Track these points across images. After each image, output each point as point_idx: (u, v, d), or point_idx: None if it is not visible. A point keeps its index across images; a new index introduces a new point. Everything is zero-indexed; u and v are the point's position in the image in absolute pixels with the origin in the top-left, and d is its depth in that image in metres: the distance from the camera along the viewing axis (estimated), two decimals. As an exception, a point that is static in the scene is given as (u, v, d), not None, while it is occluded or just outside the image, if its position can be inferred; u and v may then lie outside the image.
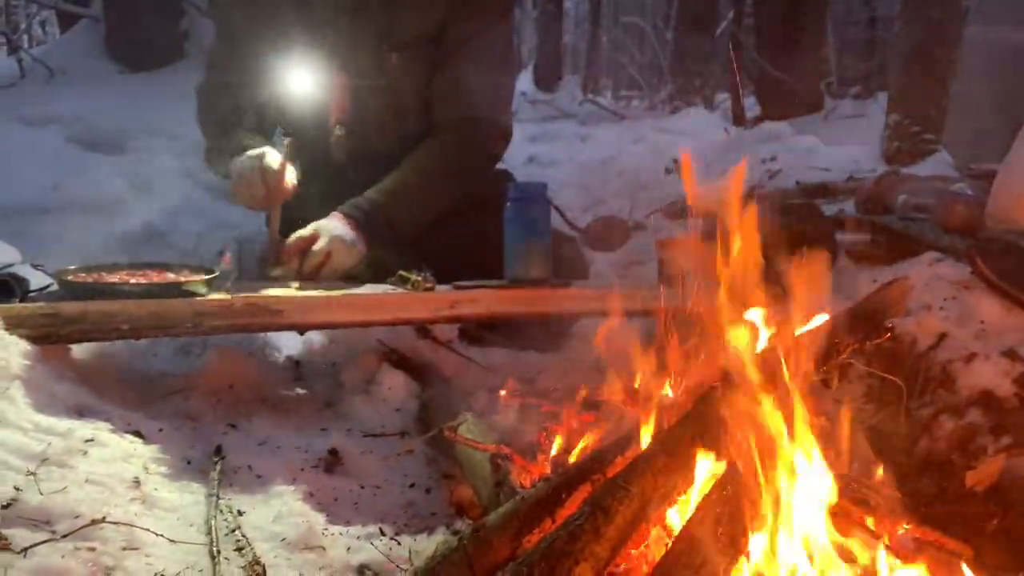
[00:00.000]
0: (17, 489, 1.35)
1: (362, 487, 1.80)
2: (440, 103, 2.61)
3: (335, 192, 2.50)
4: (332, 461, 1.85)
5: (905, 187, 2.88)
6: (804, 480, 1.30)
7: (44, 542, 1.24)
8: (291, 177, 2.35)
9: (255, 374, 2.21)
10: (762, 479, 1.27)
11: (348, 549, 1.52)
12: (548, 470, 1.62)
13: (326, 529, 1.58)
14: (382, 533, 1.60)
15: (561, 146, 6.47)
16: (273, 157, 2.32)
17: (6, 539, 1.19)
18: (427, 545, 1.55)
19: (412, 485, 1.84)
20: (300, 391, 2.26)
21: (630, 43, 13.89)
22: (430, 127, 2.62)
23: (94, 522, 1.33)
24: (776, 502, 1.27)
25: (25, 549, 1.20)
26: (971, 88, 4.52)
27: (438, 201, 2.56)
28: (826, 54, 7.91)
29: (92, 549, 1.27)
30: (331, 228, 2.36)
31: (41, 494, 1.35)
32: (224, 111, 2.58)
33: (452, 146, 2.59)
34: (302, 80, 2.47)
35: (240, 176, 2.32)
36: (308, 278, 2.30)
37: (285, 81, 2.47)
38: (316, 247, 2.32)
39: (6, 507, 1.29)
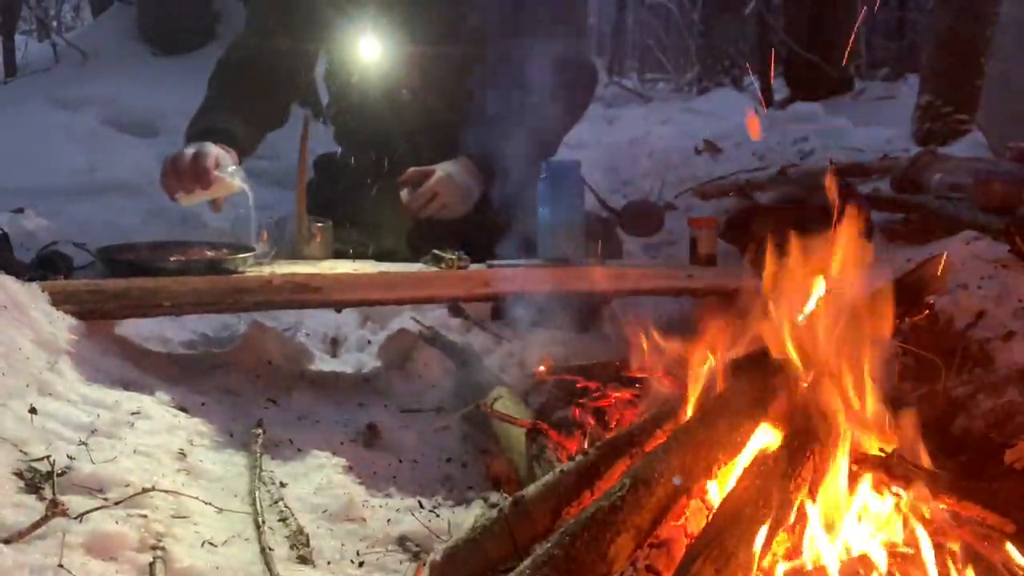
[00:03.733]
0: (70, 458, 1.38)
1: (400, 461, 1.82)
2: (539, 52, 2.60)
3: (396, 161, 2.51)
4: (370, 435, 1.88)
5: (940, 167, 2.86)
6: (846, 456, 1.30)
7: (98, 509, 1.27)
8: (229, 176, 2.26)
9: (293, 350, 2.24)
10: (805, 453, 1.28)
11: (388, 521, 1.55)
12: (585, 445, 1.64)
13: (366, 501, 1.61)
14: (421, 506, 1.63)
15: (587, 128, 6.44)
16: (208, 148, 2.25)
17: (63, 505, 1.22)
18: (465, 517, 1.57)
19: (449, 459, 1.86)
20: (337, 367, 2.30)
21: (656, 24, 13.78)
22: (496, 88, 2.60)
23: (144, 491, 1.36)
24: (818, 476, 1.28)
25: (81, 515, 1.24)
26: (1005, 67, 4.45)
27: (552, 143, 2.60)
28: (855, 35, 7.80)
29: (144, 516, 1.30)
30: (447, 168, 2.37)
31: (93, 463, 1.39)
32: (258, 69, 2.56)
33: (565, 89, 2.56)
34: (371, 46, 2.46)
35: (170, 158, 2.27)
36: (416, 215, 2.32)
37: (352, 46, 2.47)
38: (424, 187, 2.33)
39: (61, 475, 1.32)
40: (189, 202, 2.28)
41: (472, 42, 2.54)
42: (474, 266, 2.26)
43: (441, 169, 2.37)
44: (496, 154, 2.41)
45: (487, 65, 2.56)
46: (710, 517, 1.22)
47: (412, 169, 2.37)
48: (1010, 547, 1.26)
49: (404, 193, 2.36)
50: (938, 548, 1.25)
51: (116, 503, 1.31)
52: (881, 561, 1.22)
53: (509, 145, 2.44)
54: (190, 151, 2.25)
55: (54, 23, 8.88)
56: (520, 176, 2.50)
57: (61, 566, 1.12)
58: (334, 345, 2.43)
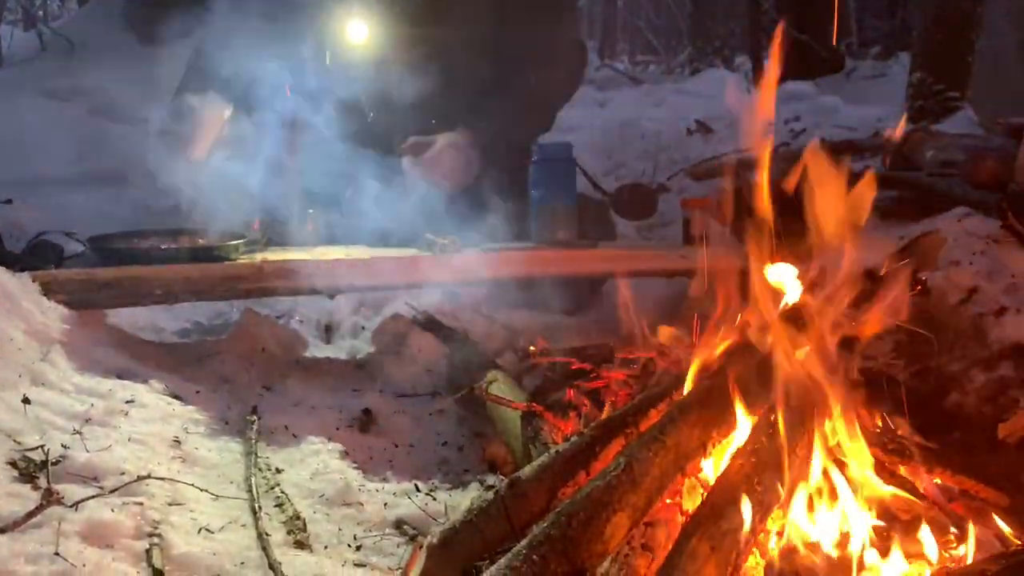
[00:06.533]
0: (64, 447, 1.38)
1: (396, 445, 1.83)
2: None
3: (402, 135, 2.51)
4: (366, 420, 1.88)
5: (932, 144, 2.85)
6: (840, 432, 1.31)
7: (93, 497, 1.27)
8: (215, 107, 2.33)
9: (287, 337, 2.24)
10: (798, 431, 1.28)
11: (385, 505, 1.56)
12: (580, 426, 1.64)
13: (362, 486, 1.61)
14: (417, 489, 1.63)
15: (579, 111, 6.41)
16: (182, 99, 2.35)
17: (58, 493, 1.22)
18: (462, 500, 1.58)
19: (444, 443, 1.86)
20: (331, 353, 2.29)
21: (646, 6, 13.71)
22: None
23: (140, 478, 1.36)
24: (811, 453, 1.29)
25: (76, 503, 1.24)
26: (996, 43, 4.45)
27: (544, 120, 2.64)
28: (846, 14, 7.78)
29: (139, 504, 1.30)
30: (449, 138, 2.39)
31: (88, 452, 1.39)
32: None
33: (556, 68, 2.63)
34: (360, 27, 2.47)
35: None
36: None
37: (341, 28, 2.47)
38: (425, 156, 2.35)
39: (55, 464, 1.32)
40: (205, 151, 2.32)
41: (464, 21, 2.52)
42: (467, 250, 2.26)
43: (443, 138, 2.36)
44: (491, 129, 2.40)
45: (480, 44, 2.55)
46: (705, 495, 1.22)
47: (413, 139, 2.36)
48: (997, 520, 1.27)
49: (405, 162, 2.35)
50: (932, 522, 1.26)
51: (111, 491, 1.31)
52: (875, 535, 1.23)
53: (503, 122, 2.43)
54: (166, 114, 2.32)
55: (40, 12, 8.79)
56: (513, 153, 2.49)
57: (57, 554, 1.12)
58: (328, 331, 2.42)
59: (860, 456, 1.31)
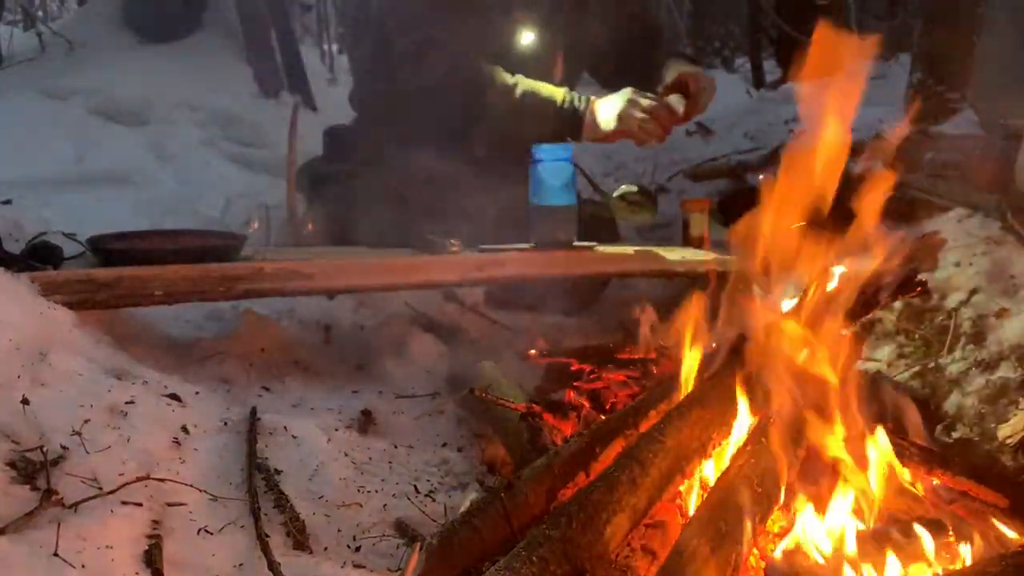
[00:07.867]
0: (64, 448, 1.38)
1: (395, 446, 1.82)
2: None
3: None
4: (365, 421, 1.88)
5: (933, 145, 2.85)
6: (839, 434, 1.31)
7: (92, 497, 1.27)
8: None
9: (286, 338, 2.24)
10: (797, 432, 1.28)
11: (384, 506, 1.55)
12: (579, 427, 1.64)
13: (362, 487, 1.61)
14: (417, 490, 1.63)
15: (579, 112, 6.40)
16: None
17: (57, 494, 1.22)
18: (461, 501, 1.57)
19: (444, 444, 1.86)
20: (331, 354, 2.29)
21: (647, 7, 13.70)
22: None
23: (139, 479, 1.36)
24: (811, 454, 1.29)
25: (75, 504, 1.23)
26: (996, 43, 4.44)
27: None
28: (846, 16, 7.78)
29: (139, 505, 1.30)
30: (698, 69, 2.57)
31: (87, 452, 1.38)
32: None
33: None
34: (527, 39, 2.60)
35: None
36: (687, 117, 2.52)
37: (514, 40, 2.59)
38: (704, 84, 2.52)
39: (55, 464, 1.32)
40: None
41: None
42: (467, 251, 2.26)
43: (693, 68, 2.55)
44: None
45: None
46: (705, 497, 1.22)
47: (682, 74, 2.52)
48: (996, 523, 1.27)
49: (674, 99, 2.49)
50: (932, 523, 1.26)
51: (111, 492, 1.31)
52: (875, 537, 1.23)
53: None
54: (650, 102, 2.44)
55: (39, 12, 8.80)
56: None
57: (56, 555, 1.11)
58: (327, 332, 2.41)
59: (860, 457, 1.32)
